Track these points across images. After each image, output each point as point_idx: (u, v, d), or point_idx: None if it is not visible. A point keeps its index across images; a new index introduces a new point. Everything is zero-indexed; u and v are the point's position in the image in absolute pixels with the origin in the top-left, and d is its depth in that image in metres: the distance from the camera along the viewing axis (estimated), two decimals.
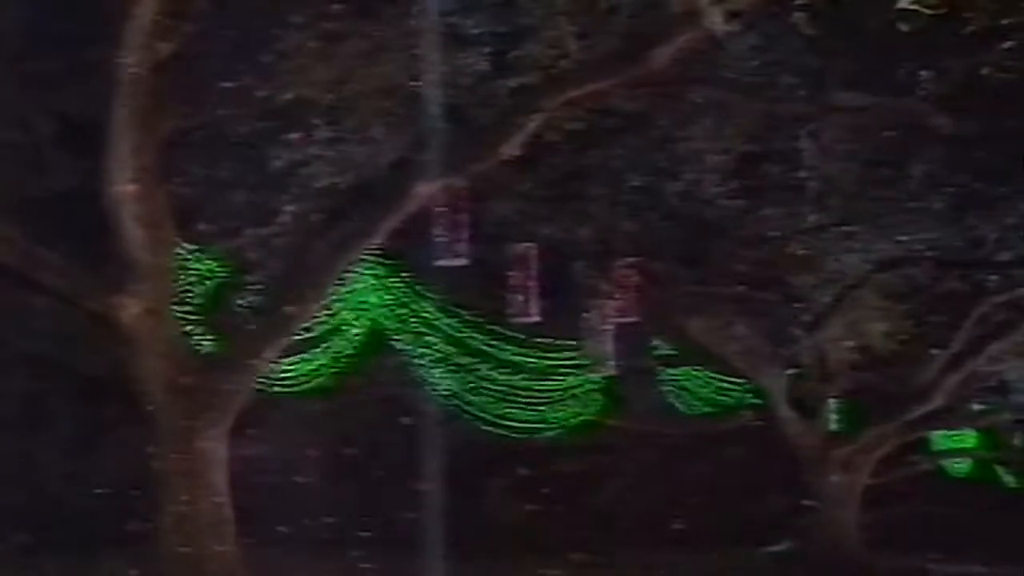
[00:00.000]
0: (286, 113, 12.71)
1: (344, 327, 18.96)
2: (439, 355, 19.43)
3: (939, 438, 23.20)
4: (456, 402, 19.46)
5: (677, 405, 21.75)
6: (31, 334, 16.77)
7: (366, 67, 12.14)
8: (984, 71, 12.56)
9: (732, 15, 10.81)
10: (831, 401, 19.93)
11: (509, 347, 19.69)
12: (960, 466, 24.58)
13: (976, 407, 21.89)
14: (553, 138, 13.27)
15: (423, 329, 19.34)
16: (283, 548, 16.49)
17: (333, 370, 18.96)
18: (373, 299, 19.10)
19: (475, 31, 12.51)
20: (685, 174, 15.15)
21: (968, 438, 23.98)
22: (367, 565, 16.98)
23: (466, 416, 19.43)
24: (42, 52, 13.57)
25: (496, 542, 17.24)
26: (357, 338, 19.12)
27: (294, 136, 12.87)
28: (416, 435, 16.33)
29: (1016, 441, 24.25)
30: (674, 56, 11.36)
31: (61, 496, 18.29)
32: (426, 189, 12.11)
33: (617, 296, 17.09)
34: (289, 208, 13.64)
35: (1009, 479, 24.53)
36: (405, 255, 17.32)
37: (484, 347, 19.58)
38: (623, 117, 13.96)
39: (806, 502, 19.82)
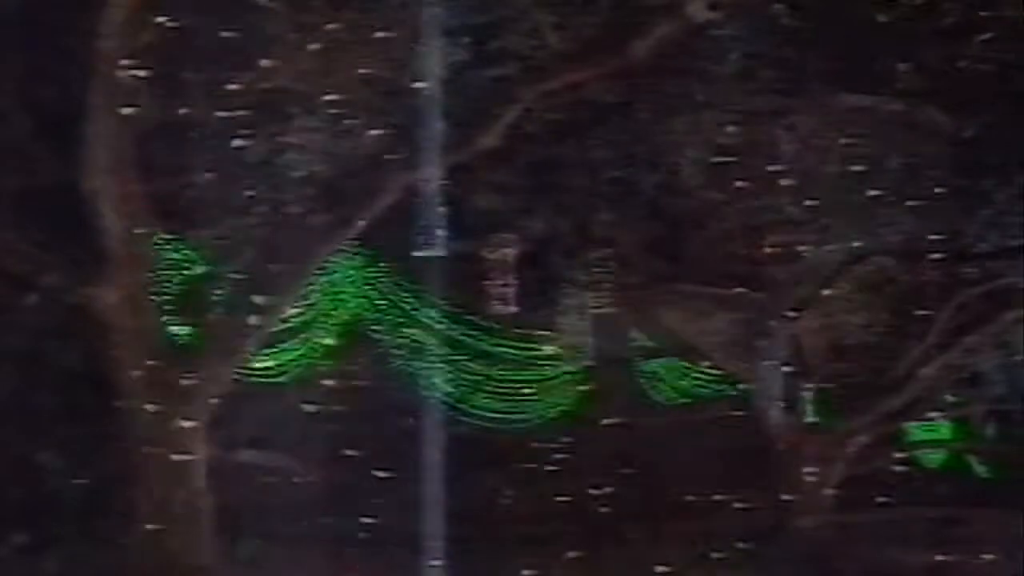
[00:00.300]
0: (264, 103, 12.67)
1: (322, 318, 18.91)
2: (417, 346, 19.39)
3: (913, 429, 23.26)
4: (435, 393, 19.41)
5: (655, 396, 21.75)
6: (13, 328, 16.65)
7: (346, 57, 12.12)
8: (961, 63, 12.62)
9: (712, 6, 10.84)
10: (808, 393, 19.95)
11: (487, 338, 19.66)
12: (933, 456, 24.66)
13: (951, 398, 21.95)
14: (532, 129, 13.28)
15: (402, 320, 19.30)
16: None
17: (311, 361, 18.90)
18: (351, 290, 19.05)
19: (454, 21, 12.49)
20: (664, 166, 15.18)
21: (942, 429, 24.05)
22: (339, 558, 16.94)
23: (445, 407, 19.38)
24: (17, 42, 13.46)
25: (475, 535, 17.19)
26: (335, 329, 19.08)
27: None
28: (396, 426, 16.30)
29: (989, 432, 24.35)
30: (654, 47, 11.37)
31: (45, 490, 18.15)
32: (405, 180, 12.10)
33: (595, 287, 17.12)
34: (267, 198, 13.60)
35: (981, 469, 24.63)
36: (384, 246, 17.29)
37: (462, 338, 19.55)
38: (602, 108, 13.98)
39: (782, 494, 19.85)
